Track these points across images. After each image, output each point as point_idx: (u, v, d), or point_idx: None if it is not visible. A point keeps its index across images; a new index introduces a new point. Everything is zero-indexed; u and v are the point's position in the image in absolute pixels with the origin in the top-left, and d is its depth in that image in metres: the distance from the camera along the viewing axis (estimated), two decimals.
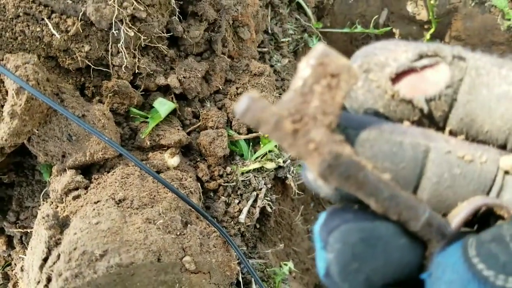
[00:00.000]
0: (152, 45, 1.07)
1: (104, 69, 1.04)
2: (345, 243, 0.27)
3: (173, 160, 1.05)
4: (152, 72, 1.10)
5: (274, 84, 1.32)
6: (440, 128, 0.31)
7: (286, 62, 1.50)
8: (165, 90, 1.16)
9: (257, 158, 1.18)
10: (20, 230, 1.09)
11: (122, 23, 0.97)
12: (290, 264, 1.18)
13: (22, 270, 1.03)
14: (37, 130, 0.94)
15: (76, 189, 0.96)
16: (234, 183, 1.14)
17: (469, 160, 0.29)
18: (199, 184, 1.09)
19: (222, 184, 1.13)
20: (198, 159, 1.15)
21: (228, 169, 1.15)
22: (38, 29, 0.93)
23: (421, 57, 0.30)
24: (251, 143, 1.21)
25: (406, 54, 0.31)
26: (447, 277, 0.25)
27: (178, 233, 0.88)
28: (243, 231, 1.10)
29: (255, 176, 1.16)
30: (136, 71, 1.06)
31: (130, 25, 0.98)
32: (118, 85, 1.03)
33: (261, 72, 1.27)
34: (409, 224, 0.28)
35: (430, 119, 0.31)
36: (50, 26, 0.93)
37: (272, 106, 0.26)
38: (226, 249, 0.97)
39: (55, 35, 0.94)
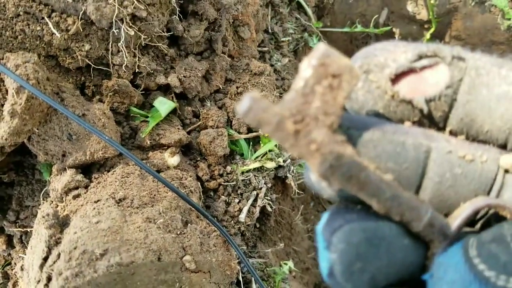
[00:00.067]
0: (153, 44, 1.07)
1: (105, 68, 1.04)
2: (348, 243, 0.27)
3: (173, 159, 1.05)
4: (152, 71, 1.10)
5: (274, 83, 1.32)
6: (441, 128, 0.31)
7: (286, 62, 1.50)
8: (165, 89, 1.16)
9: (257, 157, 1.18)
10: (20, 229, 1.09)
11: (123, 22, 0.97)
12: (290, 264, 1.18)
13: (22, 269, 1.03)
14: (37, 129, 0.94)
15: (76, 188, 0.96)
16: (234, 183, 1.14)
17: (470, 159, 0.29)
18: (199, 183, 1.09)
19: (222, 183, 1.13)
20: (198, 159, 1.15)
21: (228, 168, 1.15)
22: (38, 28, 0.93)
23: (420, 57, 0.30)
24: (251, 143, 1.21)
25: (405, 55, 0.31)
26: (449, 278, 0.25)
27: (178, 232, 0.88)
28: (243, 230, 1.10)
29: (255, 176, 1.16)
30: (136, 70, 1.06)
31: (131, 24, 0.98)
32: (118, 84, 1.02)
33: (261, 71, 1.27)
34: (412, 224, 0.28)
35: (430, 120, 0.31)
36: (50, 25, 0.93)
37: (274, 106, 0.26)
38: (226, 249, 0.97)
39: (55, 34, 0.93)
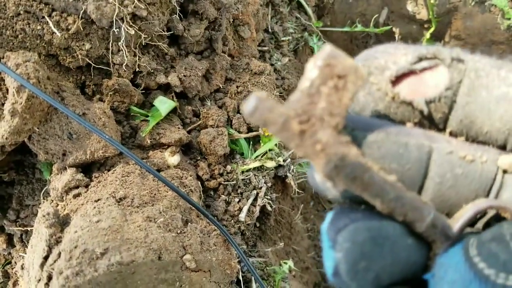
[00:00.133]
0: (153, 43, 1.07)
1: (105, 68, 1.04)
2: (354, 242, 0.27)
3: (173, 159, 1.06)
4: (152, 71, 1.10)
5: (275, 82, 1.32)
6: (441, 129, 0.32)
7: (286, 61, 1.50)
8: (165, 89, 1.16)
9: (257, 156, 1.19)
10: (20, 228, 1.09)
11: (123, 21, 0.97)
12: (290, 263, 1.18)
13: (22, 268, 1.03)
14: (38, 128, 0.94)
15: (77, 187, 0.96)
16: (234, 182, 1.14)
17: (470, 160, 0.29)
18: (199, 182, 1.09)
19: (222, 182, 1.13)
20: (199, 158, 1.15)
21: (228, 167, 1.15)
22: (39, 27, 0.93)
23: (420, 59, 0.31)
24: (251, 142, 1.22)
25: (405, 57, 0.31)
26: (450, 277, 0.26)
27: (178, 232, 0.88)
28: (243, 229, 1.10)
29: (255, 175, 1.16)
30: (137, 69, 1.06)
31: (131, 23, 0.98)
32: (118, 84, 1.03)
33: (261, 70, 1.27)
34: (415, 225, 0.28)
35: (430, 121, 0.31)
36: (51, 24, 0.93)
37: (280, 106, 0.26)
38: (226, 248, 0.97)
39: (55, 33, 0.93)
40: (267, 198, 1.15)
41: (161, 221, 0.86)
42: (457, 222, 0.29)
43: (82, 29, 0.96)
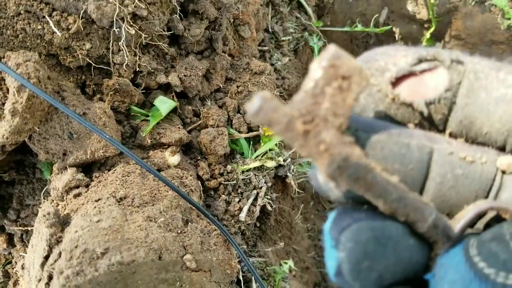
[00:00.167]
0: (153, 43, 1.07)
1: (105, 67, 1.04)
2: (357, 242, 0.27)
3: (173, 159, 1.06)
4: (153, 70, 1.10)
5: (275, 82, 1.32)
6: (440, 130, 0.32)
7: (287, 61, 1.51)
8: (166, 89, 1.16)
9: (257, 156, 1.19)
10: (20, 228, 1.09)
11: (123, 21, 0.97)
12: (290, 263, 1.18)
13: (23, 268, 1.03)
14: (38, 128, 0.94)
15: (77, 187, 0.96)
16: (235, 182, 1.14)
17: (470, 161, 0.29)
18: (199, 182, 1.09)
19: (223, 182, 1.13)
20: (199, 158, 1.15)
21: (229, 167, 1.15)
22: (39, 27, 0.93)
23: (420, 61, 0.31)
24: (251, 142, 1.22)
25: (405, 59, 0.31)
26: (450, 277, 0.26)
27: (179, 231, 0.88)
28: (244, 229, 1.10)
29: (255, 175, 1.16)
30: (137, 69, 1.06)
31: (131, 23, 0.98)
32: (119, 83, 1.03)
33: (261, 70, 1.27)
34: (416, 225, 0.28)
35: (430, 122, 0.31)
36: (51, 24, 0.93)
37: (284, 106, 0.26)
38: (226, 248, 0.97)
39: (56, 33, 0.93)
40: (267, 198, 1.15)
41: (162, 221, 0.86)
42: (458, 223, 0.29)
43: (82, 29, 0.96)
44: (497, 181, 0.30)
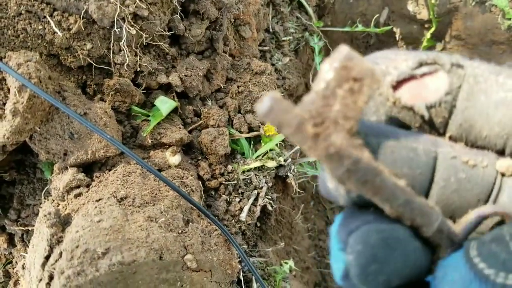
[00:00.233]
0: (154, 43, 1.07)
1: (106, 67, 1.04)
2: (366, 244, 0.27)
3: (174, 159, 1.06)
4: (153, 70, 1.10)
5: (275, 82, 1.32)
6: (441, 134, 0.32)
7: (287, 61, 1.50)
8: (166, 89, 1.16)
9: (258, 156, 1.19)
10: (21, 228, 1.09)
11: (124, 21, 0.97)
12: (291, 263, 1.18)
13: (23, 268, 1.03)
14: (39, 128, 0.94)
15: (78, 187, 0.96)
16: (235, 182, 1.14)
17: (472, 164, 0.30)
18: (200, 182, 1.09)
19: (223, 182, 1.13)
20: (199, 158, 1.15)
21: (229, 167, 1.15)
22: (40, 27, 0.93)
23: (420, 65, 0.31)
24: (252, 142, 1.22)
25: (406, 63, 0.31)
26: (450, 278, 0.26)
27: (179, 231, 0.88)
28: (244, 229, 1.10)
29: (256, 175, 1.16)
30: (138, 69, 1.06)
31: (132, 23, 0.98)
32: (119, 83, 1.03)
33: (262, 70, 1.27)
34: (422, 229, 0.28)
35: (431, 126, 0.32)
36: (52, 24, 0.93)
37: (294, 108, 0.26)
38: (227, 248, 0.97)
39: (57, 33, 0.93)
40: (268, 198, 1.15)
41: (162, 221, 0.86)
42: (461, 228, 0.29)
43: (83, 29, 0.96)
44: (497, 184, 0.30)
